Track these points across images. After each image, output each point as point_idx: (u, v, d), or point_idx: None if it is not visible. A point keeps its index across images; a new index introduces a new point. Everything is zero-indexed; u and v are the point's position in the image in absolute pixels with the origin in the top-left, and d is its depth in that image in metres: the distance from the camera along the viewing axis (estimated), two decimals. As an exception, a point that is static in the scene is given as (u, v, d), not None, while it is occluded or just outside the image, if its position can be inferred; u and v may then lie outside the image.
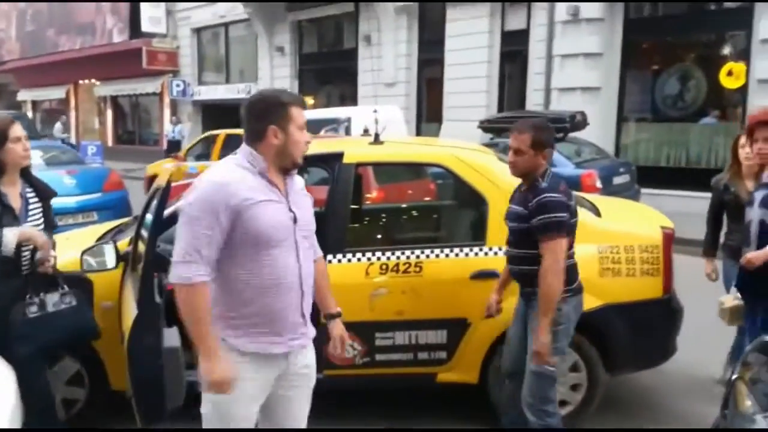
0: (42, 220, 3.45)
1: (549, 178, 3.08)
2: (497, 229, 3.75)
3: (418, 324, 3.73)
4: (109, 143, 26.86)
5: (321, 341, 2.73)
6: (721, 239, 4.37)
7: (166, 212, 3.37)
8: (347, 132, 11.33)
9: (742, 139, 3.98)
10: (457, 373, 3.83)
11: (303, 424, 2.63)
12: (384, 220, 5.66)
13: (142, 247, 3.53)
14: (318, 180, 5.87)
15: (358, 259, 3.74)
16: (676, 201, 10.27)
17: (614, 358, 3.82)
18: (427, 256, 3.75)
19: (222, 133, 13.11)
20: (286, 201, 2.40)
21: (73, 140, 21.69)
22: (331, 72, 19.77)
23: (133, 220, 4.72)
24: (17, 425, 2.54)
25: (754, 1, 10.92)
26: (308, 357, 2.56)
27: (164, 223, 3.38)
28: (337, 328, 2.73)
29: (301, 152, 2.42)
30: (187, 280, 2.24)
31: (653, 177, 11.58)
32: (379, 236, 5.19)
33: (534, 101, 13.94)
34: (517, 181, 4.01)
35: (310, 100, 18.15)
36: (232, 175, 2.31)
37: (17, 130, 3.30)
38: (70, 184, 8.45)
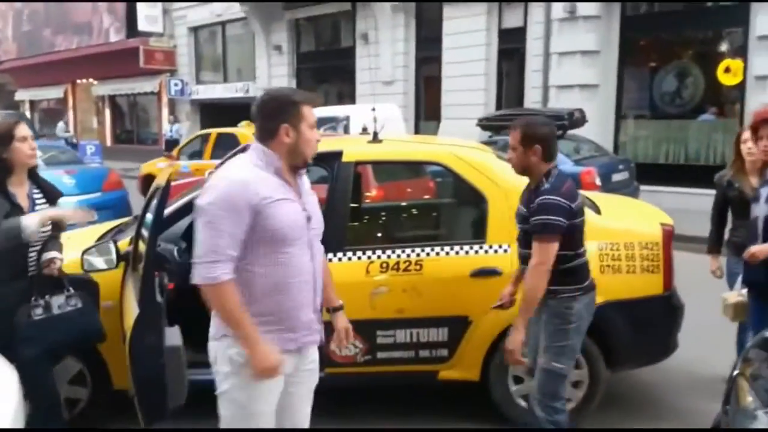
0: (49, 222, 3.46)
1: (554, 178, 3.05)
2: (497, 226, 3.76)
3: (419, 322, 3.74)
4: (108, 143, 26.83)
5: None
6: (726, 236, 4.36)
7: (167, 211, 3.38)
8: (346, 130, 11.34)
9: (744, 135, 3.98)
10: (458, 370, 3.83)
11: (306, 421, 2.65)
12: (384, 218, 5.66)
13: (142, 246, 3.53)
14: (317, 179, 5.86)
15: (359, 258, 3.74)
16: (675, 198, 10.28)
17: (615, 355, 3.83)
18: (428, 254, 3.76)
19: (214, 132, 13.13)
20: (300, 200, 2.43)
21: (75, 140, 21.65)
22: (328, 70, 19.77)
23: (133, 219, 4.72)
24: (20, 425, 2.55)
25: (751, -2, 10.94)
26: (314, 353, 2.60)
27: (165, 223, 3.39)
28: (341, 321, 2.77)
29: (312, 151, 2.45)
30: (213, 280, 2.26)
31: (652, 174, 11.59)
32: (379, 235, 5.19)
33: (532, 99, 13.95)
34: (517, 178, 4.02)
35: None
36: (251, 174, 2.32)
37: (23, 129, 3.31)
38: (70, 184, 8.44)
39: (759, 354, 2.76)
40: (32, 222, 3.20)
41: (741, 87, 11.43)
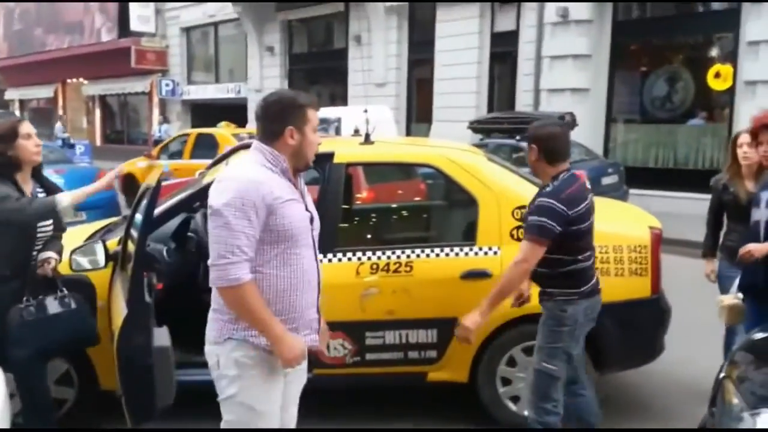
0: (51, 221, 3.47)
1: (560, 181, 3.04)
2: (487, 229, 3.78)
3: (408, 323, 3.74)
4: (98, 142, 26.73)
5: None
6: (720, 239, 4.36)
7: (156, 211, 3.37)
8: (337, 132, 11.33)
9: (740, 139, 4.00)
10: (447, 372, 3.84)
11: (293, 421, 2.65)
12: (374, 220, 5.67)
13: (131, 246, 3.52)
14: (308, 180, 5.85)
15: (349, 259, 3.74)
16: (664, 201, 10.34)
17: (603, 357, 3.84)
18: (418, 256, 3.77)
19: (193, 132, 13.22)
20: (303, 201, 2.46)
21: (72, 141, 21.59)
22: (321, 72, 19.77)
23: (121, 219, 4.70)
24: (6, 425, 2.53)
25: (742, 2, 11.01)
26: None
27: (154, 223, 3.37)
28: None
29: (314, 153, 2.48)
30: (236, 281, 2.24)
31: (641, 178, 11.66)
32: (370, 236, 5.19)
33: (523, 102, 14.00)
34: (508, 181, 4.04)
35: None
36: (262, 174, 2.33)
37: (27, 126, 3.34)
38: (58, 183, 8.35)
39: (745, 357, 2.79)
40: (66, 198, 3.28)
41: (731, 92, 11.51)
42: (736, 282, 3.62)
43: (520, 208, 3.77)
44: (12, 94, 31.85)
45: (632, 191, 10.51)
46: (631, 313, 3.82)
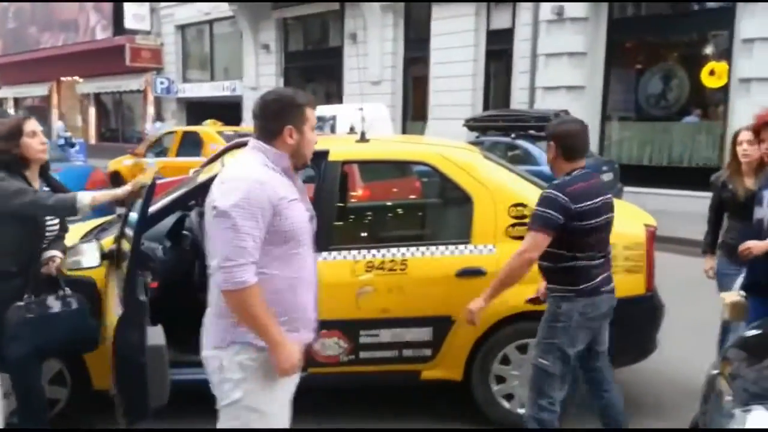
0: (57, 221, 3.47)
1: (571, 177, 3.07)
2: (483, 227, 3.78)
3: (403, 321, 3.74)
4: (92, 141, 26.66)
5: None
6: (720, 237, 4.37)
7: (151, 210, 3.36)
8: (333, 130, 11.34)
9: (741, 136, 4.01)
10: (441, 370, 3.84)
11: (287, 420, 2.64)
12: (370, 218, 5.67)
13: (126, 245, 3.51)
14: (304, 178, 5.85)
15: (344, 257, 3.74)
16: (659, 199, 10.38)
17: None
18: (413, 254, 3.77)
19: (179, 130, 13.28)
20: (303, 200, 2.44)
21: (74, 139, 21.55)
22: (316, 70, 19.76)
23: (116, 218, 4.69)
24: (1, 425, 2.53)
25: (736, 0, 11.04)
26: None
27: (149, 221, 3.37)
28: None
29: (311, 152, 2.47)
30: (243, 284, 2.19)
31: (636, 175, 11.69)
32: (365, 234, 5.19)
33: (519, 100, 14.01)
34: (504, 178, 4.04)
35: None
36: (266, 174, 2.30)
37: (32, 124, 3.33)
38: (53, 182, 8.35)
39: (738, 354, 2.80)
40: (86, 198, 3.27)
41: (725, 89, 11.56)
42: (739, 280, 3.62)
43: (515, 205, 3.78)
44: (6, 92, 31.72)
45: (627, 189, 10.54)
46: (625, 311, 3.80)
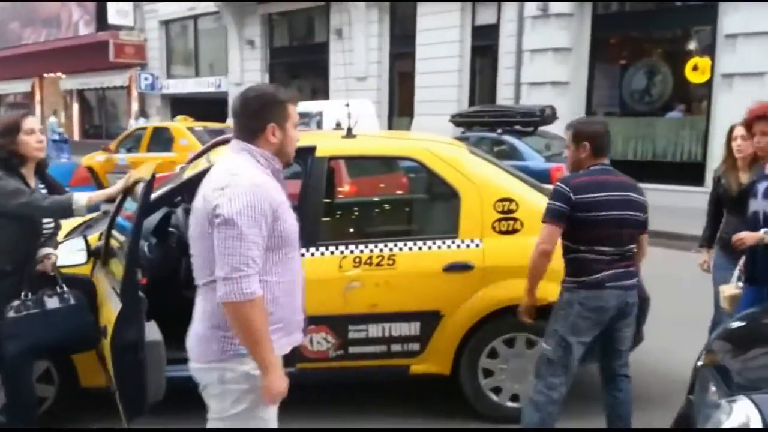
0: (52, 218, 3.45)
1: (585, 171, 3.19)
2: (469, 221, 3.80)
3: (391, 316, 3.75)
4: (76, 137, 26.41)
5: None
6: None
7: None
8: (319, 126, 11.31)
9: (735, 132, 4.05)
10: (429, 365, 3.85)
11: (275, 420, 2.63)
12: (357, 213, 5.67)
13: (114, 242, 3.50)
14: (290, 174, 5.84)
15: (332, 253, 3.74)
16: (644, 194, 10.43)
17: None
18: (401, 249, 3.77)
19: (150, 126, 13.37)
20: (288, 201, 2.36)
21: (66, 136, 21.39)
22: (302, 66, 19.70)
23: (101, 215, 4.66)
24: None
25: (719, -3, 11.14)
26: None
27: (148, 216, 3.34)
28: None
29: (294, 150, 2.37)
30: (251, 295, 2.09)
31: (621, 170, 11.41)
32: (352, 230, 5.19)
33: (504, 95, 14.05)
34: (490, 173, 4.05)
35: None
36: (262, 177, 2.21)
37: (30, 122, 3.30)
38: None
39: (723, 345, 2.84)
40: (82, 198, 3.24)
41: (708, 85, 11.66)
42: (736, 272, 3.67)
43: (501, 200, 3.80)
44: (-12, 88, 31.41)
45: (612, 184, 10.58)
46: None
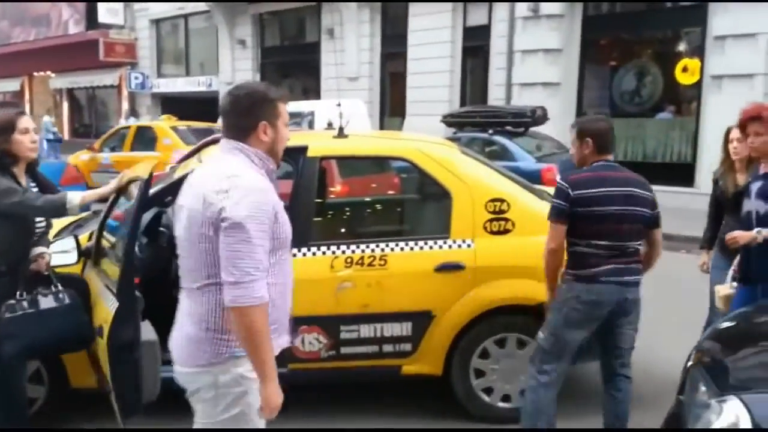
0: (45, 217, 3.43)
1: (588, 167, 3.27)
2: (461, 222, 3.80)
3: (383, 317, 3.75)
4: (66, 136, 26.22)
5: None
6: None
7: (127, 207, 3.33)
8: (311, 126, 11.29)
9: (731, 134, 4.08)
10: (421, 365, 3.86)
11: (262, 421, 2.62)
12: (348, 213, 5.67)
13: (105, 242, 3.48)
14: (282, 174, 5.83)
15: (323, 253, 3.74)
16: (634, 194, 10.47)
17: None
18: (392, 250, 3.78)
19: (133, 125, 13.39)
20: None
21: (61, 136, 21.26)
22: (293, 65, 19.66)
23: (92, 214, 4.63)
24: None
25: (708, -1, 11.21)
26: None
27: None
28: None
29: (283, 150, 2.34)
30: (261, 299, 2.06)
31: (611, 171, 11.76)
32: (344, 230, 5.19)
33: (495, 96, 14.08)
34: (481, 174, 4.06)
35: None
36: (261, 178, 2.19)
37: (25, 121, 3.27)
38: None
39: (713, 345, 2.85)
40: (76, 197, 3.23)
41: (698, 86, 11.73)
42: (730, 272, 3.69)
43: (493, 200, 3.81)
44: (-24, 87, 31.17)
45: (602, 184, 10.61)
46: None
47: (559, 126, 12.20)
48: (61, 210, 3.24)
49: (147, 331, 2.96)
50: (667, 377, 4.28)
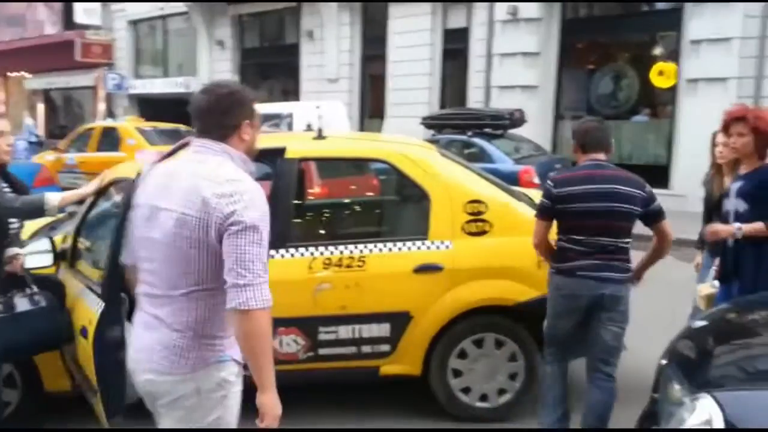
0: (22, 218, 3.39)
1: (575, 167, 3.44)
2: (439, 223, 3.82)
3: (361, 318, 3.76)
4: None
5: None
6: None
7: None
8: (290, 127, 11.26)
9: (717, 138, 4.14)
10: (400, 365, 3.86)
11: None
12: (327, 215, 5.65)
13: (81, 244, 3.45)
14: (261, 175, 5.80)
15: (302, 254, 3.73)
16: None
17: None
18: (371, 251, 3.78)
19: (98, 126, 13.44)
20: None
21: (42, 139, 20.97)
22: (273, 67, 19.59)
23: (67, 216, 4.58)
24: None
25: (684, 2, 11.35)
26: None
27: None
28: None
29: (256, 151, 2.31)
30: (269, 301, 2.02)
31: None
32: (323, 231, 5.18)
33: (474, 98, 14.15)
34: (460, 176, 4.08)
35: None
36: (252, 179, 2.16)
37: (1, 125, 3.24)
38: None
39: (686, 344, 2.89)
40: (54, 198, 3.21)
41: (674, 89, 11.88)
42: (712, 271, 3.75)
43: (471, 202, 3.83)
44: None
45: (580, 186, 10.71)
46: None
47: (537, 128, 12.32)
48: (39, 211, 3.22)
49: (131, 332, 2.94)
50: (643, 375, 4.32)
